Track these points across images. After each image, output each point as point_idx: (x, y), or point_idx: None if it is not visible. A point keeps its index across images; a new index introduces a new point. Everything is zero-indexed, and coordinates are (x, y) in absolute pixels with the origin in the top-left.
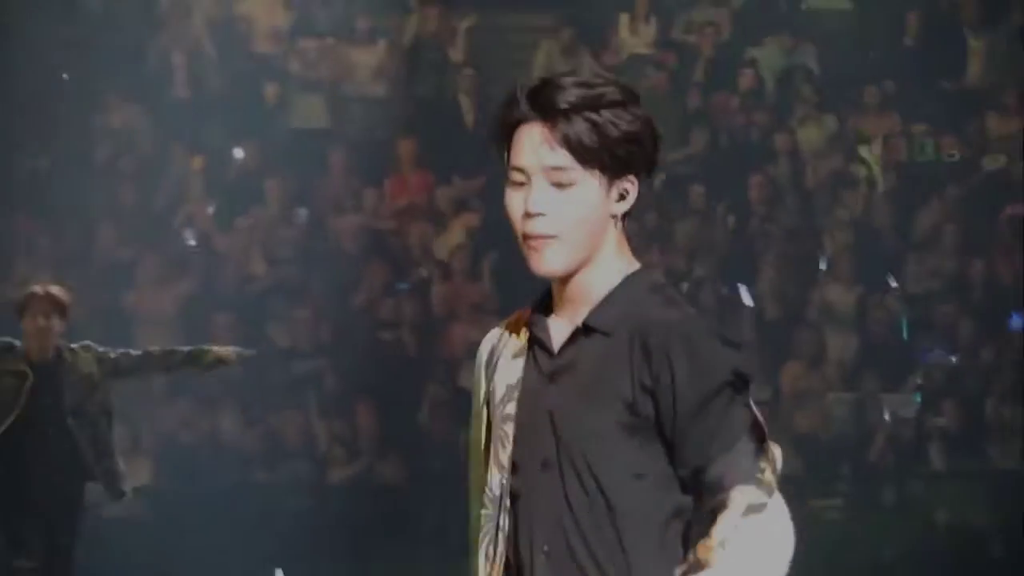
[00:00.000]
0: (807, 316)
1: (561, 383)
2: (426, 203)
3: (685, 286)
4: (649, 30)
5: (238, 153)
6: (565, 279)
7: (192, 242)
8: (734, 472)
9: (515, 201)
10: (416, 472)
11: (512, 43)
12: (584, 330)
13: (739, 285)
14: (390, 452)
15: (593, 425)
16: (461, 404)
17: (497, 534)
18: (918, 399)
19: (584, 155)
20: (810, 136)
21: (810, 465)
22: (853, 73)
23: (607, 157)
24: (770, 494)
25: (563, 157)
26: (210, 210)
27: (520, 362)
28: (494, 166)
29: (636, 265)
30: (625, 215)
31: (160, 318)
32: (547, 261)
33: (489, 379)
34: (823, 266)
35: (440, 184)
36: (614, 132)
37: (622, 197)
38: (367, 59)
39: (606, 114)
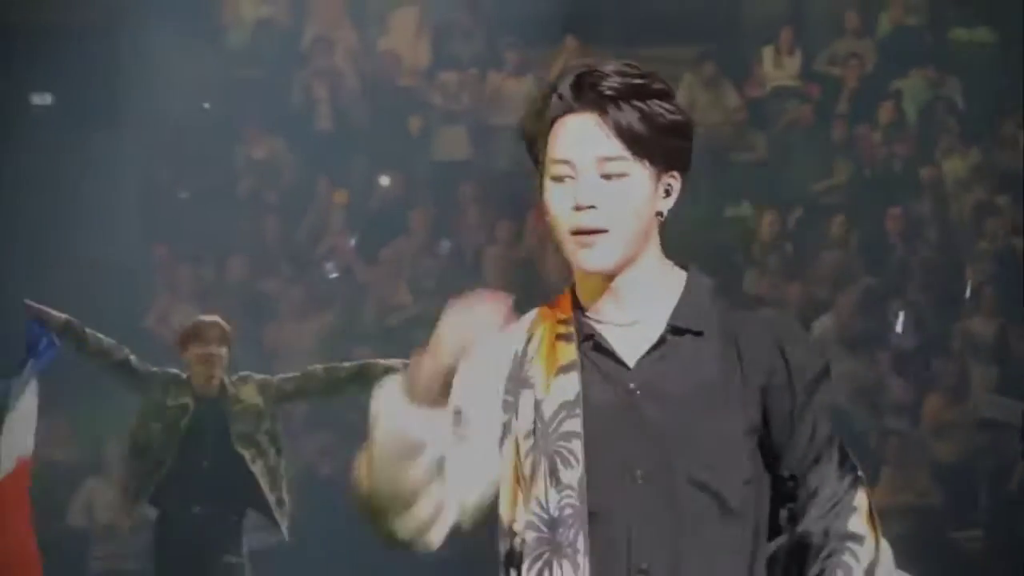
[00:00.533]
0: (951, 347)
1: (656, 393)
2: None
3: None
4: (793, 62)
5: (383, 181)
6: (610, 278)
7: (334, 274)
8: (826, 486)
9: (560, 196)
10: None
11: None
12: (672, 331)
13: (898, 312)
14: None
15: (710, 431)
16: None
17: (561, 559)
18: None
19: (636, 144)
20: (955, 168)
21: (949, 495)
22: (996, 104)
23: (657, 147)
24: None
25: (615, 146)
26: (352, 242)
27: (574, 376)
28: None
29: (672, 264)
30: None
31: (301, 351)
32: (599, 257)
33: (515, 393)
34: (967, 295)
35: None
36: (663, 121)
37: (667, 193)
38: (515, 91)
39: (653, 103)
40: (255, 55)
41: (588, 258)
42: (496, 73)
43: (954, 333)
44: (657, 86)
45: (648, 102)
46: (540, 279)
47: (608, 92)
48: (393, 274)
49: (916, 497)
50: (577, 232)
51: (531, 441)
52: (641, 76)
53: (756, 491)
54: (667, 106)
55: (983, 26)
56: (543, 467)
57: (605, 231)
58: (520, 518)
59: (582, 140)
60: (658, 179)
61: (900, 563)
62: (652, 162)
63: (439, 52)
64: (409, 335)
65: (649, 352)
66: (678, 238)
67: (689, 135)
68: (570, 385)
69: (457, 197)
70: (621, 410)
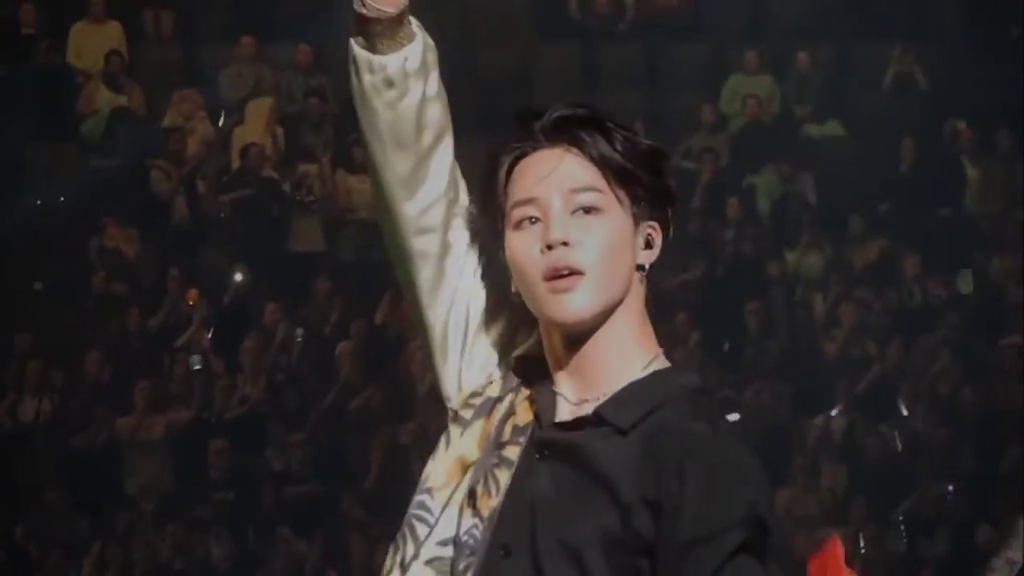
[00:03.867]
0: (805, 444)
1: (553, 465)
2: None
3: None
4: None
5: (237, 276)
6: (575, 341)
7: (197, 367)
8: None
9: (524, 242)
10: None
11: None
12: (594, 418)
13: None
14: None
15: (577, 528)
16: None
17: None
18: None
19: (610, 173)
20: (809, 263)
21: None
22: (848, 200)
23: (633, 180)
24: None
25: (588, 175)
26: (208, 334)
27: (530, 406)
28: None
29: (663, 360)
30: (648, 283)
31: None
32: (575, 302)
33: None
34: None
35: None
36: (637, 149)
37: (648, 245)
38: (362, 187)
39: (625, 132)
40: (110, 144)
41: (566, 303)
42: (344, 170)
43: (810, 429)
44: (623, 121)
45: (619, 131)
46: (395, 370)
47: (579, 122)
48: (250, 366)
49: None
50: (550, 276)
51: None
52: (604, 113)
53: None
54: (642, 137)
55: (835, 120)
56: (469, 484)
57: (581, 273)
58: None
59: (548, 175)
60: (637, 224)
61: None
62: (631, 199)
63: (293, 143)
64: (263, 426)
65: (567, 425)
66: None
67: (666, 170)
68: (526, 415)
69: (312, 288)
70: (528, 470)
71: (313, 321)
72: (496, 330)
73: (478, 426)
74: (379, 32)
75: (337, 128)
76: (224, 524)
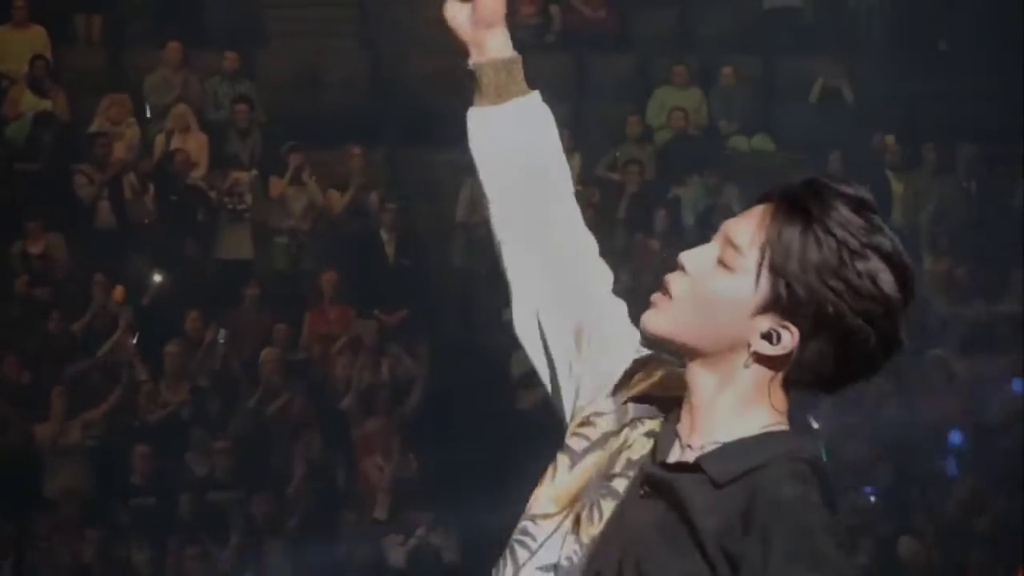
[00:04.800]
0: None
1: (653, 502)
2: (347, 335)
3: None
4: (572, 166)
5: (156, 278)
6: (690, 387)
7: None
8: None
9: None
10: None
11: (434, 179)
12: (695, 466)
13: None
14: None
15: (660, 566)
16: (378, 536)
17: None
18: None
19: (764, 239)
20: None
21: None
22: None
23: (784, 267)
24: None
25: (743, 236)
26: (133, 340)
27: (649, 442)
28: (414, 300)
29: (782, 426)
30: (788, 378)
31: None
32: (649, 316)
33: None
34: None
35: (361, 317)
36: (812, 248)
37: (769, 338)
38: (296, 194)
39: (823, 227)
40: (34, 148)
41: (645, 314)
42: (276, 177)
43: None
44: (847, 232)
45: (819, 230)
46: (318, 382)
47: (793, 193)
48: (172, 372)
49: None
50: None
51: (594, 454)
52: (855, 199)
53: None
54: (832, 251)
55: (763, 134)
56: (580, 506)
57: (670, 298)
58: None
59: (741, 218)
60: (764, 310)
61: None
62: (771, 284)
63: (219, 151)
64: (186, 433)
65: (671, 467)
66: (457, 343)
67: (837, 294)
68: (644, 446)
69: (238, 296)
70: (628, 504)
71: (239, 327)
72: (617, 362)
73: (590, 461)
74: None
75: (265, 135)
76: (144, 530)
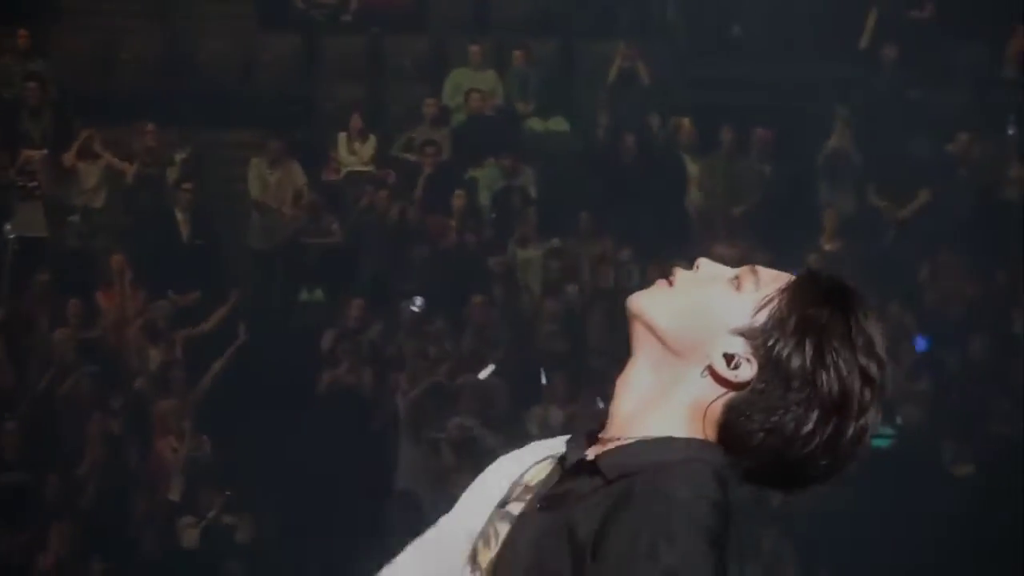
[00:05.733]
0: (528, 433)
1: (546, 515)
2: (139, 316)
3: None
4: (367, 148)
5: None
6: (627, 386)
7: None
8: None
9: None
10: None
11: (228, 158)
12: (589, 466)
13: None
14: (95, 569)
15: (537, 565)
16: (172, 517)
17: None
18: None
19: (777, 293)
20: (528, 256)
21: None
22: (571, 195)
23: (780, 318)
24: None
25: (769, 275)
26: None
27: (549, 467)
28: (208, 282)
29: (694, 438)
30: (727, 415)
31: None
32: (642, 295)
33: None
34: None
35: (154, 298)
36: (797, 358)
37: (728, 361)
38: (89, 172)
39: (817, 346)
40: None
41: (637, 294)
42: (70, 155)
43: (530, 418)
44: (854, 309)
45: (817, 344)
46: (114, 358)
47: (826, 292)
48: None
49: None
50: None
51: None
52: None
53: None
54: (829, 346)
55: (558, 115)
56: (473, 541)
57: (673, 288)
58: None
59: (752, 260)
60: (742, 334)
61: None
62: (762, 321)
63: (9, 129)
64: None
65: (570, 473)
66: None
67: (816, 372)
68: (541, 473)
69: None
70: (527, 517)
71: (32, 305)
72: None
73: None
74: None
75: (57, 114)
76: None
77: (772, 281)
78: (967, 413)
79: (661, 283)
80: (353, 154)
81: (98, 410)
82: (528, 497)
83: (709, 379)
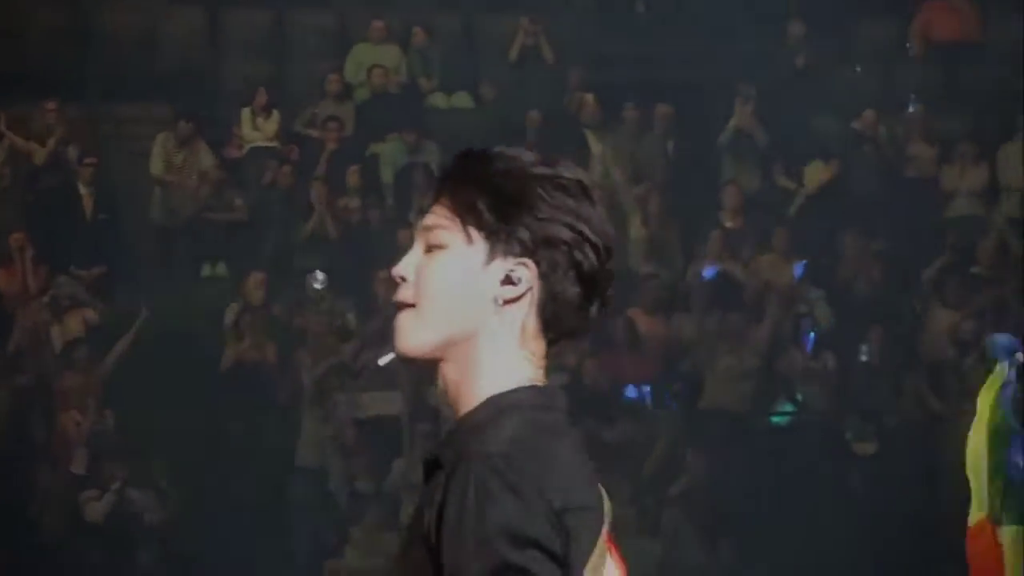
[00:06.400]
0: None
1: (410, 525)
2: (41, 294)
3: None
4: (270, 124)
5: None
6: (449, 384)
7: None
8: None
9: None
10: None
11: (132, 135)
12: (433, 463)
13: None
14: None
15: (406, 567)
16: (72, 493)
17: None
18: None
19: (456, 208)
20: None
21: None
22: None
23: (482, 213)
24: None
25: (437, 213)
26: None
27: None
28: (112, 258)
29: (521, 382)
30: (549, 322)
31: None
32: (401, 335)
33: None
34: None
35: (56, 275)
36: (496, 186)
37: (509, 281)
38: None
39: (491, 166)
40: None
41: (398, 334)
42: None
43: (433, 395)
44: (510, 156)
45: (489, 165)
46: (18, 334)
47: (458, 159)
48: None
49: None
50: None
51: None
52: (510, 154)
53: None
54: (513, 169)
55: (462, 92)
56: None
57: (411, 305)
58: None
59: (421, 222)
60: (492, 258)
61: None
62: (485, 235)
63: None
64: None
65: (425, 482)
66: (157, 300)
67: (536, 204)
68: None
69: None
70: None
71: None
72: None
73: None
74: None
75: None
76: None
77: (441, 214)
78: (871, 392)
79: (403, 315)
80: (257, 130)
81: (3, 386)
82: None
83: (507, 312)
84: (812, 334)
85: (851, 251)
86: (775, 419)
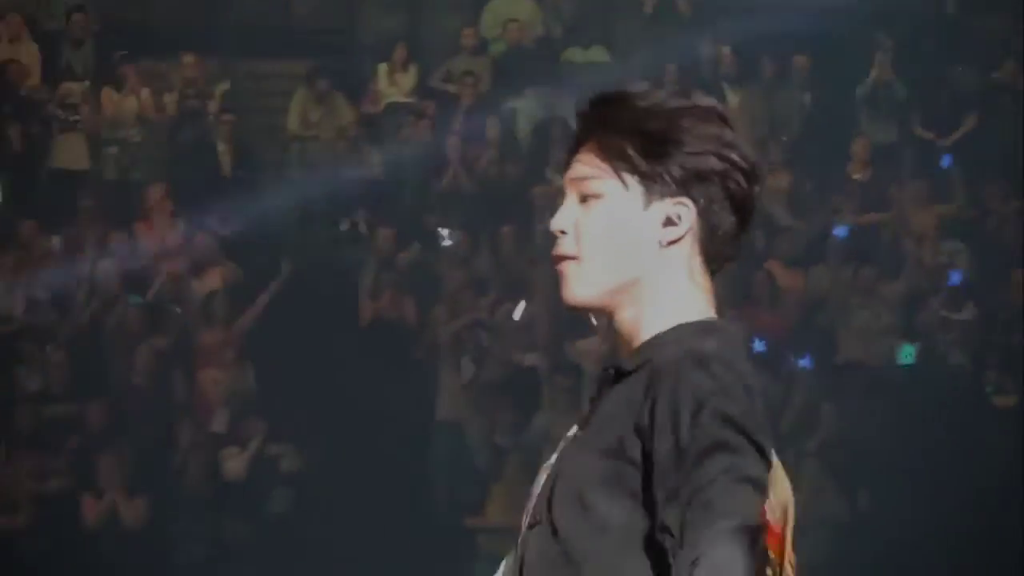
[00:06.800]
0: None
1: (580, 432)
2: (181, 249)
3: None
4: (408, 79)
5: None
6: (612, 320)
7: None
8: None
9: None
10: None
11: (268, 90)
12: (615, 375)
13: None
14: (137, 495)
15: (581, 474)
16: (215, 447)
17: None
18: None
19: (605, 155)
20: None
21: None
22: None
23: (633, 158)
24: None
25: (587, 163)
26: None
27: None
28: (249, 213)
29: (704, 315)
30: (710, 255)
31: None
32: (569, 287)
33: None
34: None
35: (196, 230)
36: (652, 122)
37: (670, 222)
38: (129, 104)
39: (631, 108)
40: None
41: (562, 289)
42: (110, 88)
43: (575, 351)
44: (658, 98)
45: (637, 109)
46: (158, 289)
47: (599, 114)
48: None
49: None
50: (554, 263)
51: None
52: (656, 95)
53: (618, 543)
54: (663, 113)
55: (598, 46)
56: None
57: (574, 258)
58: None
59: (570, 164)
60: (650, 202)
61: None
62: (637, 178)
63: (51, 61)
64: (18, 346)
65: (597, 396)
66: (295, 256)
67: (688, 144)
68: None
69: (73, 208)
70: (563, 451)
71: (74, 237)
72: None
73: None
74: None
75: (99, 46)
76: None
77: (589, 163)
78: (1010, 344)
79: (564, 267)
80: (394, 85)
81: (143, 342)
82: (569, 434)
83: (671, 253)
84: (954, 284)
85: (992, 202)
86: (907, 367)
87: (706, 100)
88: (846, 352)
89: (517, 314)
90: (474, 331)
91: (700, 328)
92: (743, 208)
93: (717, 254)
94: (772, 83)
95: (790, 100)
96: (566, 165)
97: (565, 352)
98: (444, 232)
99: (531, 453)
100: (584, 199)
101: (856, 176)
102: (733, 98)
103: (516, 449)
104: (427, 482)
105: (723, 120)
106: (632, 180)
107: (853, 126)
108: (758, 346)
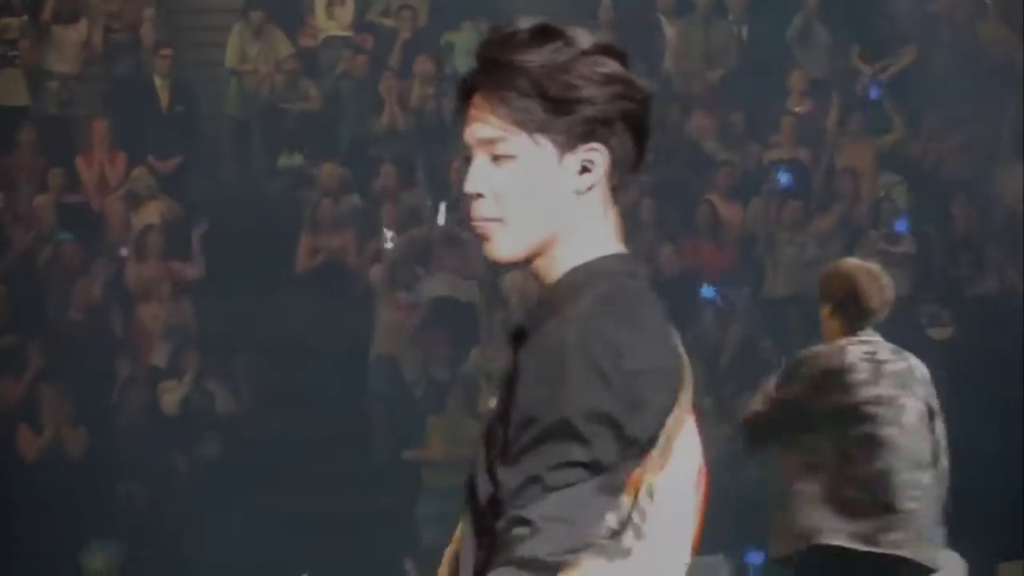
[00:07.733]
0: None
1: (497, 392)
2: (119, 183)
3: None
4: (345, 13)
5: None
6: (530, 265)
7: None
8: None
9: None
10: (101, 449)
11: (206, 25)
12: (520, 331)
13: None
14: (79, 427)
15: (482, 432)
16: (152, 382)
17: None
18: None
19: (512, 117)
20: None
21: None
22: None
23: (541, 119)
24: None
25: (494, 124)
26: None
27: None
28: (188, 147)
29: (604, 251)
30: (617, 187)
31: None
32: (495, 247)
33: None
34: None
35: (134, 164)
36: (551, 84)
37: (585, 170)
38: (69, 38)
39: (543, 60)
40: None
41: (487, 249)
42: (49, 19)
43: (504, 282)
44: (556, 44)
45: (538, 59)
46: (96, 224)
47: (489, 59)
48: None
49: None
50: (472, 221)
51: None
52: (550, 34)
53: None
54: (564, 62)
55: None
56: None
57: (498, 220)
58: None
59: (470, 121)
60: (563, 155)
61: None
62: (549, 137)
63: None
64: None
65: (513, 353)
66: (233, 190)
67: (598, 93)
68: None
69: (12, 142)
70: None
71: (13, 173)
72: None
73: None
74: None
75: None
76: None
77: (492, 123)
78: (947, 277)
79: (487, 227)
80: (331, 19)
81: (81, 276)
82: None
83: (588, 197)
84: (900, 232)
85: (931, 136)
86: None
87: (591, 39)
88: (778, 286)
89: (440, 218)
90: (409, 267)
91: (593, 272)
92: (643, 136)
93: (621, 183)
94: (708, 15)
95: (727, 32)
96: (463, 116)
97: (500, 286)
98: (389, 235)
99: (468, 387)
100: (496, 159)
101: (796, 109)
102: (670, 30)
103: (453, 382)
104: (366, 418)
105: (612, 54)
106: (542, 138)
107: (789, 59)
108: (706, 292)
